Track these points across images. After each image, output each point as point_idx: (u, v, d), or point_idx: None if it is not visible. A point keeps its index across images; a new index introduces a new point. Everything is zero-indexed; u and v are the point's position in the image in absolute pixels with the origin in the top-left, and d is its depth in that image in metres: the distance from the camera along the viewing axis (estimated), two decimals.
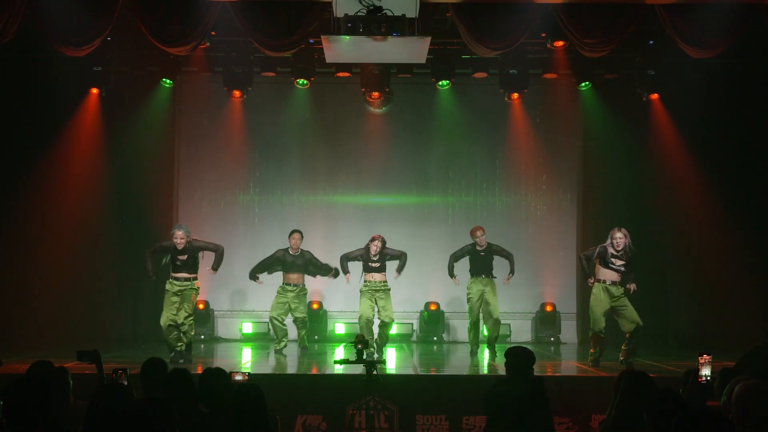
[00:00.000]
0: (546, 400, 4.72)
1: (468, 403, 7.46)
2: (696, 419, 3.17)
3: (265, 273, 10.56)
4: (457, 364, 10.46)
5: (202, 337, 12.20)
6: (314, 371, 9.27)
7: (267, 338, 12.32)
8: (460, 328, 12.53)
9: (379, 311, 10.19)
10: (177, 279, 9.46)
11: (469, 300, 10.46)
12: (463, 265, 10.69)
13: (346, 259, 10.37)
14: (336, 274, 10.57)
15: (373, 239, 10.23)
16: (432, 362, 10.48)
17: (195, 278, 9.52)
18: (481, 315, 10.41)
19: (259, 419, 4.08)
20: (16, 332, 10.77)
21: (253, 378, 4.97)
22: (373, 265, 10.21)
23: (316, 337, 12.08)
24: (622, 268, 9.10)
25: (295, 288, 10.40)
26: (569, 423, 7.58)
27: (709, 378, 4.81)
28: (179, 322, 9.34)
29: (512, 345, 5.94)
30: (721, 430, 3.17)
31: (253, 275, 10.50)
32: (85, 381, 5.18)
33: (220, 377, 4.68)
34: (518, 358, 5.14)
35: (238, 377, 4.92)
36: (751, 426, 3.55)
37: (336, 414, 7.53)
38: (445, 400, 7.71)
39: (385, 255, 10.27)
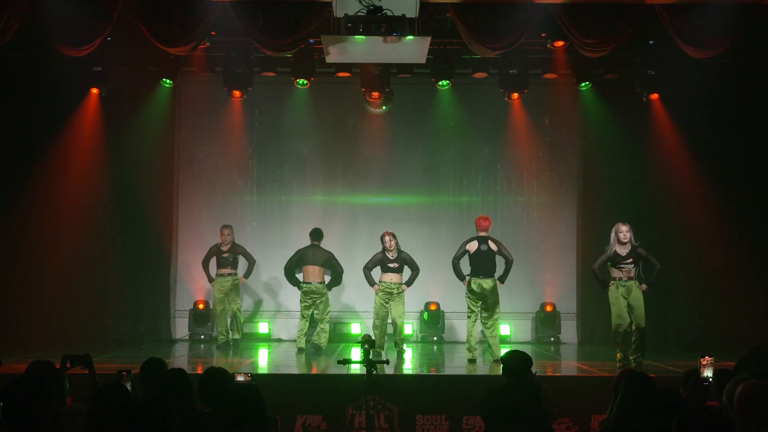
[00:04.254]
0: (545, 406, 4.71)
1: (468, 403, 7.45)
2: (696, 419, 3.17)
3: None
4: (457, 364, 10.45)
5: (202, 337, 12.24)
6: (314, 371, 9.27)
7: (267, 338, 12.36)
8: (460, 328, 12.52)
9: (390, 311, 10.14)
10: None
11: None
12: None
13: (368, 270, 10.22)
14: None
15: (383, 236, 10.14)
16: (432, 362, 10.47)
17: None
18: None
19: (258, 420, 4.07)
20: (16, 332, 10.78)
21: (254, 378, 4.96)
22: (390, 265, 10.11)
23: None
24: (631, 266, 9.06)
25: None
26: (569, 423, 7.57)
27: (711, 379, 4.82)
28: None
29: (513, 346, 5.92)
30: (721, 430, 3.17)
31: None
32: (80, 381, 5.11)
33: (222, 377, 4.67)
34: (516, 362, 5.12)
35: (240, 378, 4.91)
36: (752, 426, 3.54)
37: (336, 414, 7.53)
38: (445, 400, 7.70)
39: (403, 258, 10.15)
